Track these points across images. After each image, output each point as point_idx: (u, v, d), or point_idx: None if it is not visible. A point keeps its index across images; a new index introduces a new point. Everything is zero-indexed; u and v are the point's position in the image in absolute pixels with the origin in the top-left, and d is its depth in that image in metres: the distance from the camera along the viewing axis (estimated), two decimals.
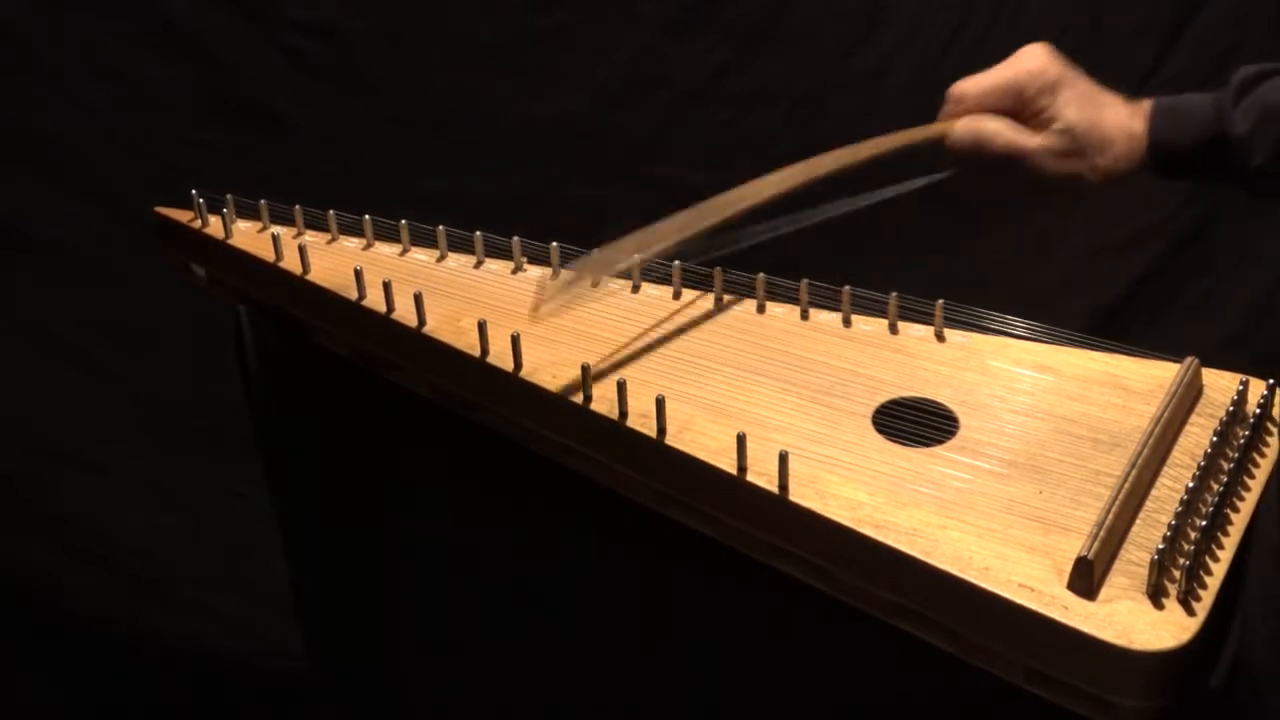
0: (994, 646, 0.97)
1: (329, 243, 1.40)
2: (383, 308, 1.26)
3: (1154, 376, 1.16)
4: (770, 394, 1.17)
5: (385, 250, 1.39)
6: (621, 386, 1.13)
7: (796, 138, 1.92)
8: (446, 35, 1.89)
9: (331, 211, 1.40)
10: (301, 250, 1.32)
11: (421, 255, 1.38)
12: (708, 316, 1.29)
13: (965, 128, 1.19)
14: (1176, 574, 0.94)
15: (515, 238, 1.36)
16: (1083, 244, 1.97)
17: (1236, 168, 1.11)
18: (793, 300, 1.29)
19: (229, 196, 1.40)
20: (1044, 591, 0.94)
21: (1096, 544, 0.94)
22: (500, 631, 1.45)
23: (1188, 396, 1.12)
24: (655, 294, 1.32)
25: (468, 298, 1.30)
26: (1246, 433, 1.09)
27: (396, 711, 1.57)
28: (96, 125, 1.87)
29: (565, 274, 1.31)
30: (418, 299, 1.24)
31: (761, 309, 1.29)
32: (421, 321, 1.24)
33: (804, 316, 1.28)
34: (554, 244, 1.34)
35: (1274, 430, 1.11)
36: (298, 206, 1.40)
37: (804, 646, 1.25)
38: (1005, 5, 1.87)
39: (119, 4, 1.83)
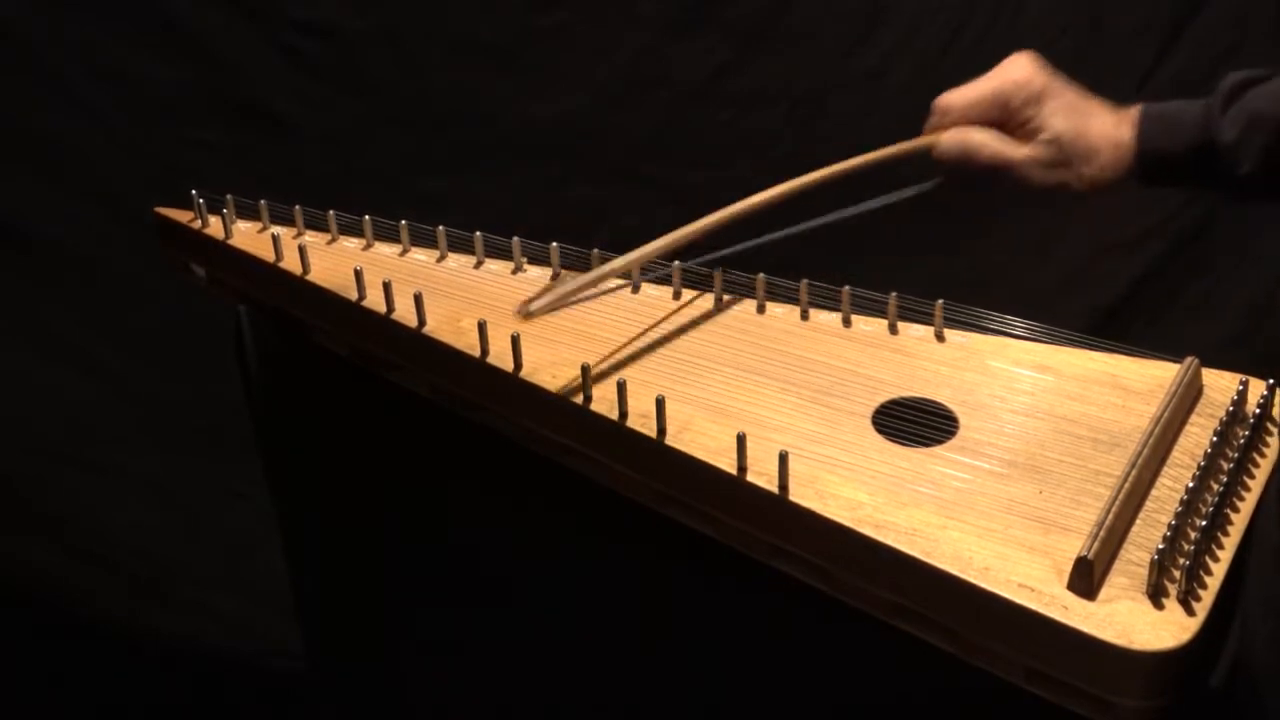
0: (994, 646, 0.97)
1: (329, 243, 1.40)
2: (383, 308, 1.26)
3: (1154, 376, 1.16)
4: (770, 394, 1.17)
5: (385, 250, 1.39)
6: (621, 387, 1.13)
7: (796, 138, 1.92)
8: (446, 35, 1.89)
9: (331, 212, 1.40)
10: (301, 250, 1.32)
11: (421, 255, 1.38)
12: (708, 317, 1.29)
13: (952, 139, 1.19)
14: (1176, 574, 0.94)
15: (515, 238, 1.36)
16: (1083, 244, 1.97)
17: (1224, 175, 1.11)
18: (793, 300, 1.29)
19: (229, 197, 1.40)
20: (1044, 591, 0.94)
21: (1096, 544, 0.94)
22: (500, 631, 1.45)
23: (1188, 396, 1.12)
24: (655, 294, 1.32)
25: (468, 298, 1.30)
26: (1246, 433, 1.09)
27: (396, 711, 1.57)
28: (96, 125, 1.88)
29: (560, 282, 1.31)
30: (418, 299, 1.24)
31: (761, 309, 1.29)
32: (421, 322, 1.24)
33: (804, 317, 1.28)
34: (554, 244, 1.34)
35: (1274, 430, 1.11)
36: (298, 207, 1.40)
37: (804, 646, 1.25)
38: (1005, 5, 1.87)
39: (119, 4, 1.83)
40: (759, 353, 1.23)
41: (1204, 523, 0.98)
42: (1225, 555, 0.99)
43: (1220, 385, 1.15)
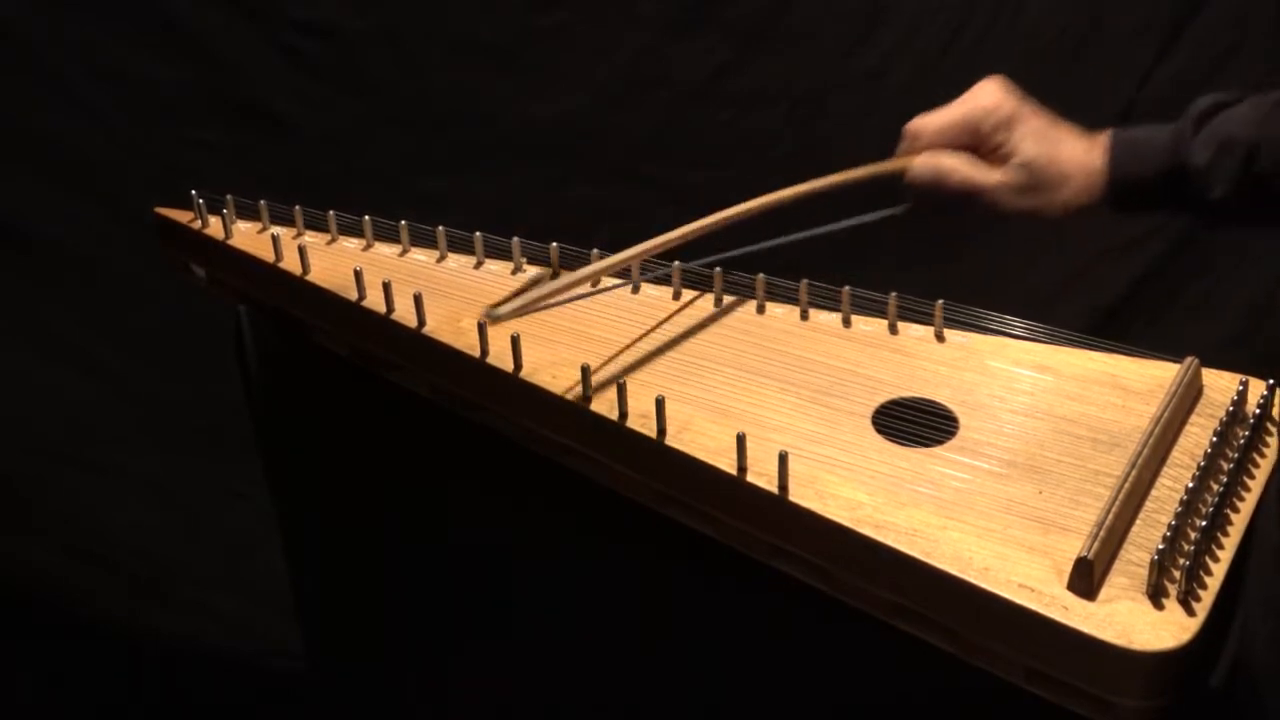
0: (994, 646, 0.97)
1: (329, 243, 1.40)
2: (383, 308, 1.26)
3: (1154, 376, 1.16)
4: (770, 394, 1.17)
5: (385, 251, 1.39)
6: (621, 387, 1.13)
7: (796, 138, 1.92)
8: (446, 35, 1.89)
9: (331, 212, 1.40)
10: (301, 251, 1.32)
11: (421, 256, 1.38)
12: (708, 317, 1.29)
13: (923, 164, 1.19)
14: (1176, 574, 0.94)
15: (515, 238, 1.36)
16: (1083, 244, 1.96)
17: (1196, 200, 1.10)
18: (792, 301, 1.29)
19: (229, 197, 1.40)
20: (1044, 591, 0.94)
21: (1096, 544, 0.94)
22: (500, 631, 1.45)
23: (1188, 396, 1.12)
24: (655, 294, 1.32)
25: (468, 298, 1.30)
26: (1246, 433, 1.09)
27: (396, 711, 1.57)
28: (96, 125, 1.87)
29: (527, 287, 1.30)
30: (417, 299, 1.24)
31: (761, 309, 1.29)
32: (421, 322, 1.24)
33: (804, 317, 1.28)
34: (554, 244, 1.34)
35: (1274, 430, 1.11)
36: (298, 207, 1.40)
37: (804, 646, 1.25)
38: (1005, 5, 1.87)
39: (119, 4, 1.83)
40: (759, 353, 1.23)
41: (1204, 523, 0.98)
42: (1225, 555, 0.99)
43: (1220, 385, 1.15)
